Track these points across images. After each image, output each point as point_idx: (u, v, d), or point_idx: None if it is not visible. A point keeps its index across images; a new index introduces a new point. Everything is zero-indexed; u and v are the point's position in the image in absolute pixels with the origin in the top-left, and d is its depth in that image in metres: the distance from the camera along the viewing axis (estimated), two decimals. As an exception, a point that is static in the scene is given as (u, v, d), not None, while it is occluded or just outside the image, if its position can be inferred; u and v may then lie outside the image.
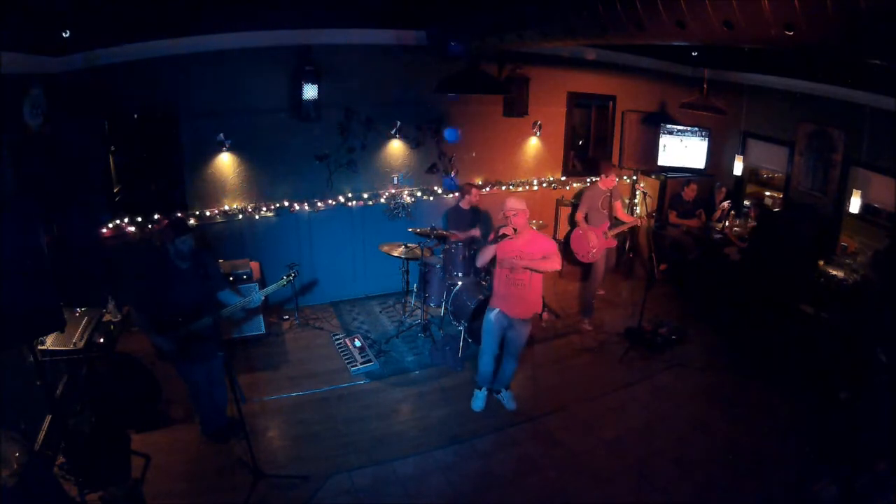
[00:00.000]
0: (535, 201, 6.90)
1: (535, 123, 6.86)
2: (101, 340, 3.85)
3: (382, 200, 6.25)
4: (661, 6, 2.72)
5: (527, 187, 7.05)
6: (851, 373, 4.37)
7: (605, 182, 5.65)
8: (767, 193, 7.17)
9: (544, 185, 7.17)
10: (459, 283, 5.26)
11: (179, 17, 4.76)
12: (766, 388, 4.78)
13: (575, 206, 7.04)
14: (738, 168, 7.24)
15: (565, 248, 6.50)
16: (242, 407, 3.80)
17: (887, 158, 5.37)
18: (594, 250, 5.62)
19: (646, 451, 4.03)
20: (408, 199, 6.35)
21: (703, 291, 6.41)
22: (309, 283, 6.18)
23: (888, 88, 5.08)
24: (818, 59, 5.43)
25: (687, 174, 7.20)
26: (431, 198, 6.47)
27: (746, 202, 7.21)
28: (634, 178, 7.41)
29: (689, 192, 7.00)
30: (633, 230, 7.15)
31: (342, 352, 5.27)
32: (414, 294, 6.22)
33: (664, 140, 7.15)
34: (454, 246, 5.34)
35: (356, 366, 5.02)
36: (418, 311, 5.90)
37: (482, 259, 4.10)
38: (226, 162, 5.53)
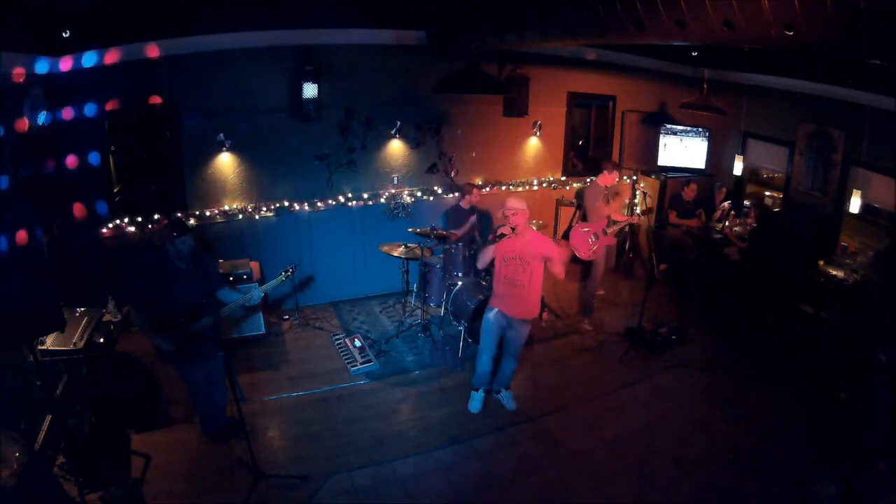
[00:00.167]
0: (535, 201, 6.90)
1: (535, 123, 6.86)
2: (101, 340, 3.85)
3: (382, 200, 6.25)
4: (661, 6, 2.72)
5: (527, 187, 7.05)
6: (851, 373, 4.37)
7: (605, 179, 5.66)
8: (767, 193, 7.17)
9: (544, 185, 7.17)
10: (459, 283, 5.26)
11: (179, 17, 4.76)
12: (766, 388, 4.77)
13: (575, 206, 7.08)
14: (738, 168, 7.24)
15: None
16: (242, 407, 3.80)
17: (887, 158, 5.37)
18: (595, 248, 5.62)
19: (646, 451, 4.03)
20: (408, 199, 6.35)
21: (703, 291, 6.41)
22: (309, 283, 6.18)
23: (888, 88, 5.08)
24: (818, 59, 5.43)
25: (687, 174, 7.20)
26: (431, 198, 6.47)
27: (746, 202, 7.21)
28: (634, 178, 7.41)
29: (689, 192, 7.00)
30: (634, 230, 7.16)
31: (342, 352, 5.27)
32: (414, 294, 6.22)
33: (664, 140, 7.16)
34: (454, 246, 5.34)
35: (356, 366, 5.02)
36: (418, 311, 5.90)
37: (482, 260, 4.11)
38: (226, 162, 5.53)
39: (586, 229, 5.58)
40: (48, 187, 4.48)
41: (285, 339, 5.54)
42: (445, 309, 5.42)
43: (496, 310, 4.18)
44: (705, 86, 6.54)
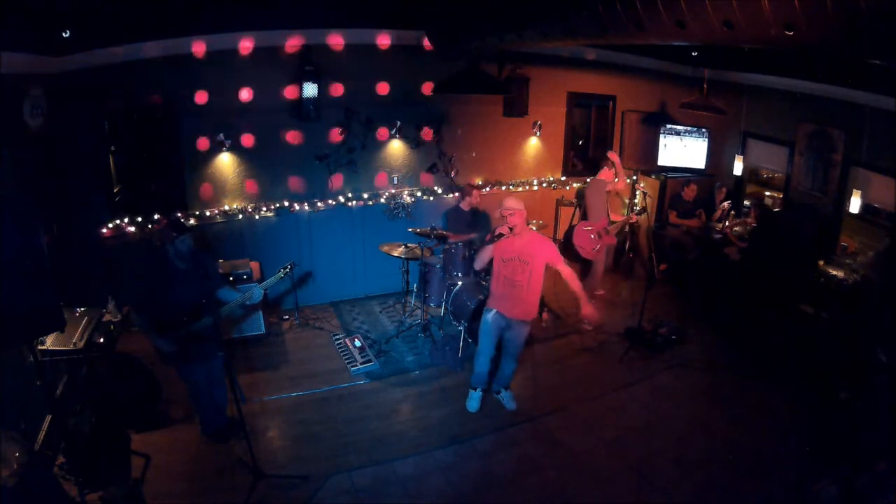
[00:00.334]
0: (535, 201, 6.92)
1: (535, 123, 6.86)
2: (101, 340, 3.85)
3: (382, 200, 6.25)
4: (661, 6, 2.72)
5: (527, 187, 7.05)
6: (851, 373, 4.37)
7: (605, 174, 5.66)
8: (767, 193, 7.16)
9: (544, 185, 7.17)
10: (459, 283, 5.25)
11: (179, 17, 4.76)
12: (766, 388, 4.77)
13: (575, 206, 7.08)
14: (738, 168, 7.24)
15: (565, 246, 6.51)
16: (242, 407, 3.80)
17: (887, 158, 5.37)
18: (598, 246, 5.61)
19: (646, 451, 4.03)
20: (408, 199, 6.35)
21: (703, 291, 6.41)
22: (309, 283, 6.18)
23: (888, 88, 5.08)
24: (818, 59, 5.43)
25: (687, 174, 7.20)
26: (431, 198, 6.47)
27: (746, 202, 7.21)
28: (634, 178, 7.41)
29: (689, 192, 7.00)
30: (634, 230, 7.16)
31: (342, 352, 5.27)
32: (414, 294, 6.22)
33: (664, 140, 7.15)
34: (454, 246, 5.34)
35: (356, 366, 5.02)
36: (418, 311, 5.90)
37: (480, 261, 4.09)
38: (226, 162, 5.53)
39: (589, 228, 5.58)
40: (48, 187, 4.48)
41: (285, 339, 5.54)
42: (445, 309, 5.42)
43: (494, 311, 4.17)
44: (705, 86, 6.54)
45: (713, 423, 4.35)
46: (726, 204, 6.99)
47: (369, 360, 5.10)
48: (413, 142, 6.22)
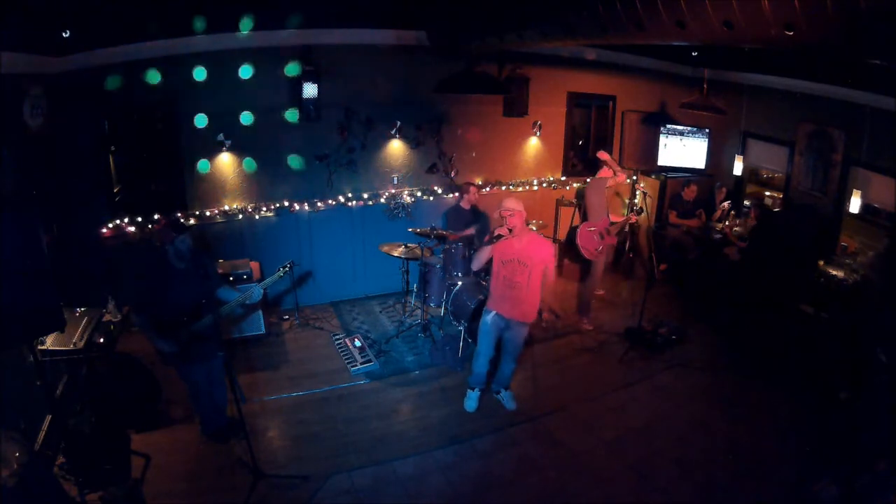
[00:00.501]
0: (535, 201, 6.92)
1: (535, 123, 6.86)
2: (101, 340, 3.85)
3: (382, 200, 6.25)
4: (661, 6, 2.72)
5: (527, 187, 7.05)
6: (851, 373, 4.37)
7: (605, 172, 5.66)
8: (767, 193, 7.17)
9: (544, 185, 7.17)
10: (459, 282, 5.26)
11: (179, 17, 4.76)
12: (766, 388, 4.77)
13: (575, 206, 7.08)
14: (738, 168, 7.24)
15: (568, 246, 6.51)
16: (242, 407, 3.80)
17: (887, 158, 5.37)
18: (600, 247, 5.61)
19: (646, 451, 4.04)
20: (408, 199, 6.35)
21: (703, 291, 6.41)
22: (309, 283, 6.18)
23: (888, 88, 5.08)
24: (818, 59, 5.43)
25: (687, 174, 7.20)
26: (431, 198, 6.47)
27: (746, 202, 7.21)
28: (634, 178, 7.41)
29: (689, 193, 7.00)
30: (634, 230, 7.16)
31: (342, 352, 5.27)
32: (414, 294, 6.22)
33: (664, 140, 7.15)
34: (454, 246, 5.34)
35: (356, 366, 5.02)
36: (418, 311, 5.90)
37: (478, 262, 4.07)
38: (226, 162, 5.53)
39: (592, 228, 5.58)
40: (48, 187, 4.48)
41: (285, 339, 5.54)
42: (445, 309, 5.42)
43: (494, 312, 4.16)
44: (705, 86, 6.54)
45: (713, 423, 4.35)
46: (726, 204, 6.99)
47: (369, 360, 5.10)
48: (413, 142, 6.22)
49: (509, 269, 4.01)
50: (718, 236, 6.67)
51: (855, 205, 5.63)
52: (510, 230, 3.87)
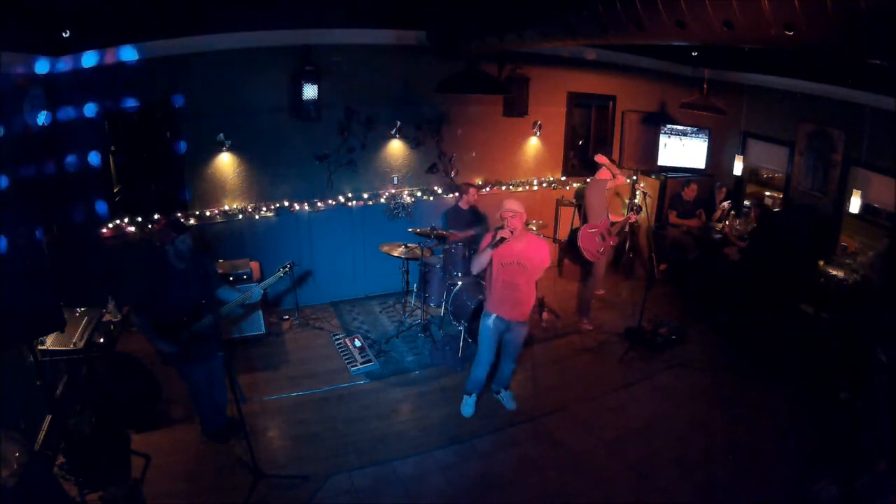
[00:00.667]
0: (535, 201, 6.92)
1: (535, 123, 6.86)
2: (101, 340, 3.85)
3: (382, 200, 6.25)
4: (661, 6, 2.72)
5: (527, 187, 7.05)
6: (851, 373, 4.37)
7: (604, 173, 5.66)
8: (767, 193, 7.17)
9: (544, 185, 7.17)
10: (459, 283, 5.26)
11: (179, 17, 4.76)
12: (766, 388, 4.78)
13: (575, 206, 7.08)
14: (738, 168, 7.24)
15: (569, 248, 6.51)
16: (242, 407, 3.80)
17: (887, 158, 5.37)
18: (602, 248, 5.61)
19: (646, 451, 4.04)
20: (408, 199, 6.35)
21: (703, 291, 6.41)
22: (309, 283, 6.18)
23: (888, 88, 5.08)
24: (818, 59, 5.43)
25: (687, 174, 7.20)
26: (431, 198, 6.47)
27: (746, 202, 7.21)
28: (634, 178, 7.41)
29: (689, 192, 7.00)
30: (633, 230, 7.16)
31: (342, 352, 5.27)
32: (414, 294, 6.22)
33: (664, 140, 7.15)
34: (454, 246, 5.34)
35: (356, 366, 5.02)
36: (418, 311, 5.90)
37: (478, 265, 3.98)
38: (226, 162, 5.53)
39: (594, 229, 5.57)
40: (48, 187, 4.48)
41: (285, 339, 5.54)
42: (445, 309, 5.42)
43: (494, 315, 4.12)
44: (705, 86, 6.54)
45: (713, 423, 4.35)
46: (726, 204, 6.99)
47: (369, 360, 5.10)
48: (413, 142, 6.22)
49: (509, 271, 3.98)
50: (718, 236, 6.67)
51: (855, 205, 5.63)
52: (512, 232, 3.86)
